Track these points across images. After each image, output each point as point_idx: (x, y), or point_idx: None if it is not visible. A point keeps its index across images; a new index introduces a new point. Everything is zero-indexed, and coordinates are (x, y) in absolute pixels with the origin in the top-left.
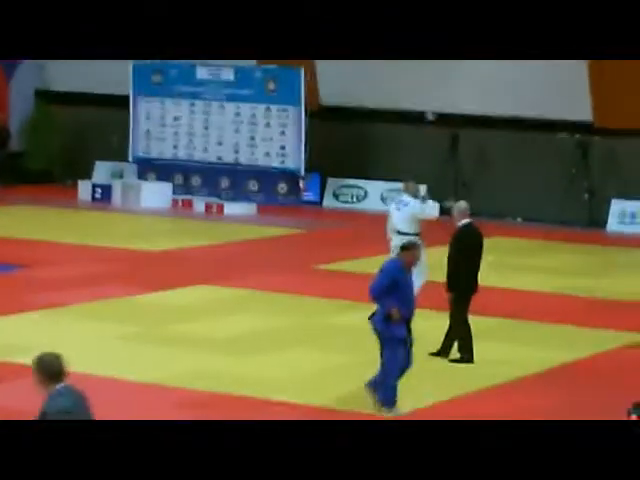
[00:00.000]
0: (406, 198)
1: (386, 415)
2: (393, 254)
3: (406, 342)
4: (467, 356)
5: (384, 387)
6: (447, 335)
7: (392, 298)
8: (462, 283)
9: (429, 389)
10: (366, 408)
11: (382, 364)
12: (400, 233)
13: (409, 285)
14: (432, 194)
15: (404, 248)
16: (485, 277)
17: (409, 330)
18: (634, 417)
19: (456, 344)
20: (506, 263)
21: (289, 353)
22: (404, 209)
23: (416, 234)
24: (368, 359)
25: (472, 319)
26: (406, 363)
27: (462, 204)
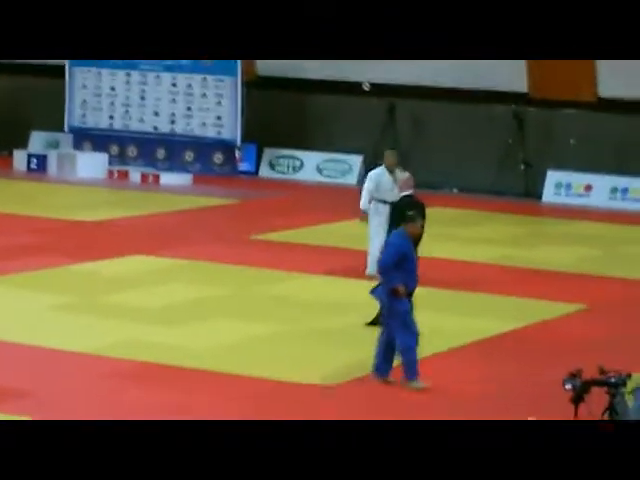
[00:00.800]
0: (376, 169)
1: (410, 387)
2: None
3: (409, 314)
4: None
5: (407, 361)
6: None
7: (399, 273)
8: None
9: (364, 358)
10: (296, 378)
11: (399, 342)
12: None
13: (415, 258)
14: (368, 164)
15: (407, 220)
16: (420, 248)
17: (410, 301)
18: (568, 387)
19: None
20: (441, 233)
21: (221, 323)
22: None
23: (383, 201)
24: (301, 329)
25: None
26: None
27: (404, 175)
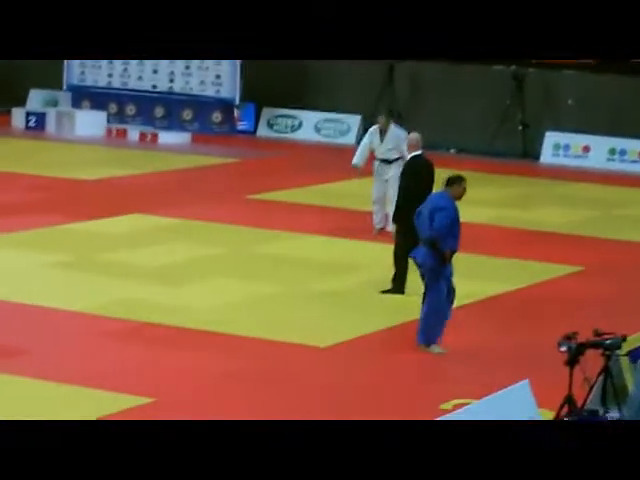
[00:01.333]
0: (372, 128)
1: (430, 351)
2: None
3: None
4: (398, 287)
5: (426, 324)
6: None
7: (449, 238)
8: (410, 216)
9: (357, 320)
10: (294, 338)
11: (429, 302)
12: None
13: (459, 220)
14: (367, 124)
15: (451, 182)
16: None
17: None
18: (563, 349)
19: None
20: None
21: (219, 282)
22: None
23: (384, 160)
24: (299, 289)
25: None
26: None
27: (412, 135)
